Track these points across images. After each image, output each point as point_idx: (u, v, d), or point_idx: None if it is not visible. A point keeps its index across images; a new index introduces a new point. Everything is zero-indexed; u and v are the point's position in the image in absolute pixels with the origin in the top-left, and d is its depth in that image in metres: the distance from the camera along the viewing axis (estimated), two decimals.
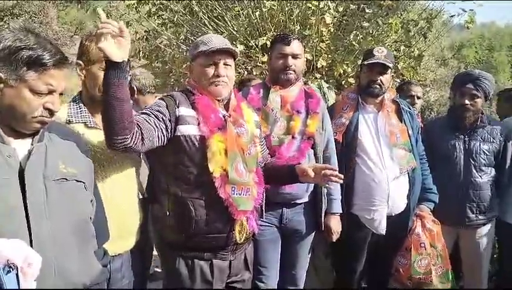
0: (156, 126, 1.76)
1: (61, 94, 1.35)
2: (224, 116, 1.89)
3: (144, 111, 1.81)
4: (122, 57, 1.51)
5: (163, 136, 1.79)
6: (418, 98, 3.63)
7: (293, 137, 2.33)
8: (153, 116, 1.78)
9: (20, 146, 1.30)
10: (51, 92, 1.30)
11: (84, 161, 1.48)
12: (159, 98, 1.93)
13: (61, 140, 1.42)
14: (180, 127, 1.82)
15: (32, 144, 1.32)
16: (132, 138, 1.63)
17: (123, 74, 1.53)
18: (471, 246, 2.91)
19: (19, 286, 1.08)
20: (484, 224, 2.87)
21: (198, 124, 1.84)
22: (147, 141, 1.70)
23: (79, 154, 1.46)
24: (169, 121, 1.81)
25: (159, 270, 3.37)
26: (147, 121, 1.74)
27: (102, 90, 1.55)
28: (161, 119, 1.79)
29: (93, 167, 1.52)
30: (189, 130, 1.83)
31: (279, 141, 2.32)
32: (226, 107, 1.95)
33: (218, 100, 1.93)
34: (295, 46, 2.39)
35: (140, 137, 1.67)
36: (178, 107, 1.85)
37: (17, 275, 1.09)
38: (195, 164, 1.81)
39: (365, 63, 2.56)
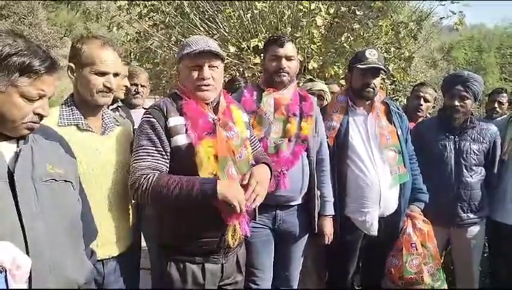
0: (165, 162, 1.82)
1: (49, 97, 1.34)
2: (213, 120, 1.87)
3: (153, 154, 1.81)
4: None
5: (168, 158, 1.84)
6: (426, 100, 3.46)
7: (289, 140, 2.33)
8: (159, 155, 1.81)
9: (6, 148, 1.29)
10: (41, 97, 1.29)
11: (69, 161, 1.48)
12: (146, 113, 1.90)
13: (46, 141, 1.42)
14: (173, 139, 1.82)
15: (18, 146, 1.31)
16: None
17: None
18: (462, 245, 2.94)
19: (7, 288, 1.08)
20: (475, 223, 2.90)
21: (186, 130, 1.82)
22: None
23: (64, 154, 1.47)
24: (164, 140, 1.82)
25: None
26: (163, 165, 1.82)
27: (199, 195, 1.71)
28: (163, 152, 1.82)
29: (77, 166, 1.53)
30: (179, 139, 1.82)
31: (275, 147, 2.31)
32: (215, 110, 1.93)
33: (207, 103, 1.91)
34: (289, 48, 2.38)
35: None
36: (167, 119, 1.83)
37: (5, 277, 1.08)
38: (185, 170, 1.79)
39: (360, 66, 2.53)
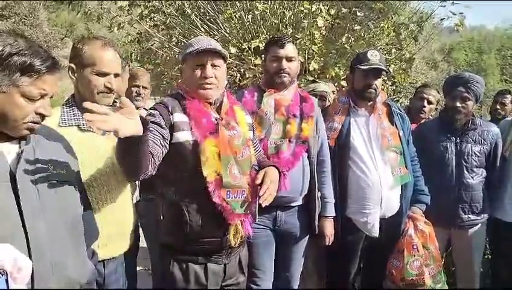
0: (161, 145, 1.76)
1: (51, 97, 1.34)
2: (216, 120, 1.88)
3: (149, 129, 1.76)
4: (138, 131, 1.43)
5: (166, 149, 1.79)
6: (430, 102, 3.43)
7: (289, 141, 2.33)
8: (158, 135, 1.76)
9: (8, 149, 1.29)
10: (42, 97, 1.29)
11: (71, 162, 1.48)
12: (151, 108, 1.90)
13: (48, 142, 1.42)
14: (175, 134, 1.81)
15: (20, 147, 1.31)
16: (150, 169, 1.66)
17: (146, 130, 1.49)
18: (463, 246, 2.94)
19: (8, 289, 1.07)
20: (476, 224, 2.90)
21: (191, 129, 1.83)
22: (157, 162, 1.72)
23: (66, 155, 1.47)
24: (164, 128, 1.80)
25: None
26: (155, 143, 1.72)
27: (124, 145, 1.46)
28: (165, 136, 1.78)
29: (79, 167, 1.53)
30: (183, 136, 1.82)
31: (276, 148, 2.31)
32: (219, 109, 1.94)
33: (210, 103, 1.91)
34: (289, 49, 2.39)
35: (154, 164, 1.69)
36: (172, 114, 1.83)
37: (6, 280, 1.08)
38: (189, 169, 1.80)
39: (361, 67, 2.53)
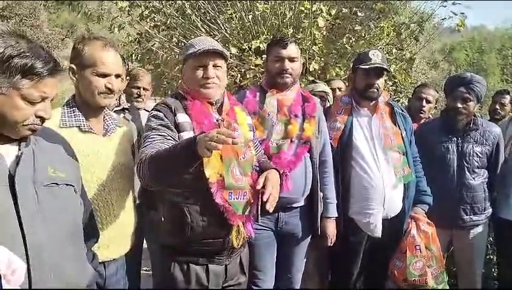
0: None
1: (51, 100, 1.32)
2: (217, 121, 1.88)
3: (161, 134, 1.77)
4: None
5: None
6: (428, 102, 3.44)
7: (291, 141, 2.33)
8: (171, 140, 1.77)
9: (7, 151, 1.27)
10: (43, 100, 1.28)
11: (72, 164, 1.46)
12: (154, 109, 1.89)
13: (48, 143, 1.40)
14: (180, 134, 1.81)
15: (19, 149, 1.29)
16: None
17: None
18: (464, 246, 2.93)
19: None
20: (477, 225, 2.89)
21: (193, 129, 1.82)
22: None
23: (66, 157, 1.44)
24: (173, 130, 1.80)
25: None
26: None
27: (178, 161, 1.59)
28: (176, 139, 1.78)
29: (80, 169, 1.51)
30: (187, 136, 1.79)
31: (277, 147, 2.30)
32: (219, 110, 1.94)
33: (211, 104, 1.91)
34: (292, 49, 2.38)
35: None
36: (176, 115, 1.83)
37: (0, 282, 1.07)
38: (191, 170, 1.79)
39: (363, 67, 2.53)
